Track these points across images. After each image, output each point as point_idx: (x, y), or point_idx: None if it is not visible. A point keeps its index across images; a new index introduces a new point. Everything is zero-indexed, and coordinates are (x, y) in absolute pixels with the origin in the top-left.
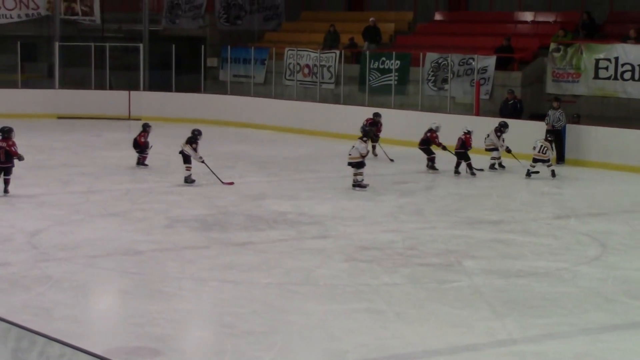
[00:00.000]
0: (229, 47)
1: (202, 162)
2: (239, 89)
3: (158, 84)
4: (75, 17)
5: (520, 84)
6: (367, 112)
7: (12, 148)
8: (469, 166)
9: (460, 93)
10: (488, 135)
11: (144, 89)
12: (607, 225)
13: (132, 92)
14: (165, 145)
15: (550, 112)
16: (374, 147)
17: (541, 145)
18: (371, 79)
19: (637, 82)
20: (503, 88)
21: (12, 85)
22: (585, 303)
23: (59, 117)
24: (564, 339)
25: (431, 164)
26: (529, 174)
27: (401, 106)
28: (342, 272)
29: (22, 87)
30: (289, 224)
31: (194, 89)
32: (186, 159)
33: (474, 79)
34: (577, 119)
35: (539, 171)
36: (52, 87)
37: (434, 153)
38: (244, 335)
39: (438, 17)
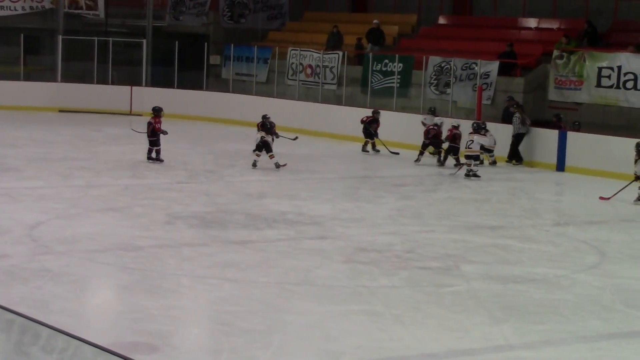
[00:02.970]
0: (232, 45)
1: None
2: (241, 87)
3: (160, 80)
4: (79, 11)
5: (522, 90)
6: (368, 114)
7: (157, 125)
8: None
9: (462, 97)
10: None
11: (146, 85)
12: (606, 234)
13: (134, 88)
14: (166, 142)
15: (514, 118)
16: (373, 145)
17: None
18: (373, 81)
19: (639, 92)
20: (505, 94)
21: (14, 77)
22: (583, 311)
23: (61, 111)
24: (561, 346)
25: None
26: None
27: (403, 109)
28: (340, 273)
29: (24, 79)
30: (288, 223)
31: (196, 86)
32: (267, 149)
33: (476, 84)
34: (577, 127)
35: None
36: (54, 80)
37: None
38: (241, 333)
39: (442, 20)
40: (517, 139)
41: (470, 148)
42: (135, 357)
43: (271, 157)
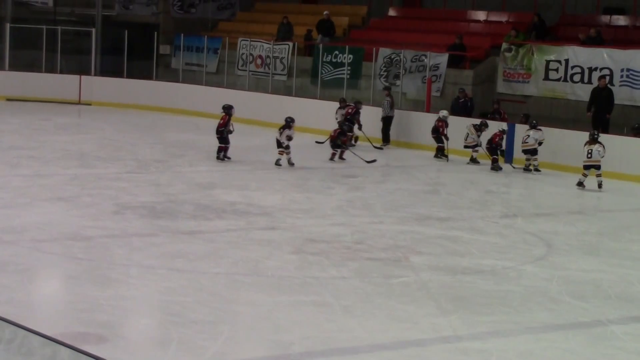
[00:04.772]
0: (182, 35)
1: (286, 146)
2: (191, 77)
3: (110, 70)
4: None
5: (471, 83)
6: (318, 105)
7: (221, 122)
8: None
9: (411, 89)
10: (468, 134)
11: (95, 74)
12: (553, 226)
13: (83, 77)
14: (116, 131)
15: (384, 102)
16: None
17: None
18: (324, 72)
19: (586, 85)
20: (454, 86)
21: None
22: (530, 302)
23: (8, 100)
24: (508, 337)
25: (439, 153)
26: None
27: (352, 100)
28: (289, 264)
29: None
30: (238, 214)
31: (146, 75)
32: (278, 144)
33: (425, 76)
34: (525, 119)
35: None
36: (2, 69)
37: (442, 142)
38: (191, 324)
39: (392, 12)
40: (386, 121)
41: (527, 143)
42: (83, 347)
43: (280, 153)
